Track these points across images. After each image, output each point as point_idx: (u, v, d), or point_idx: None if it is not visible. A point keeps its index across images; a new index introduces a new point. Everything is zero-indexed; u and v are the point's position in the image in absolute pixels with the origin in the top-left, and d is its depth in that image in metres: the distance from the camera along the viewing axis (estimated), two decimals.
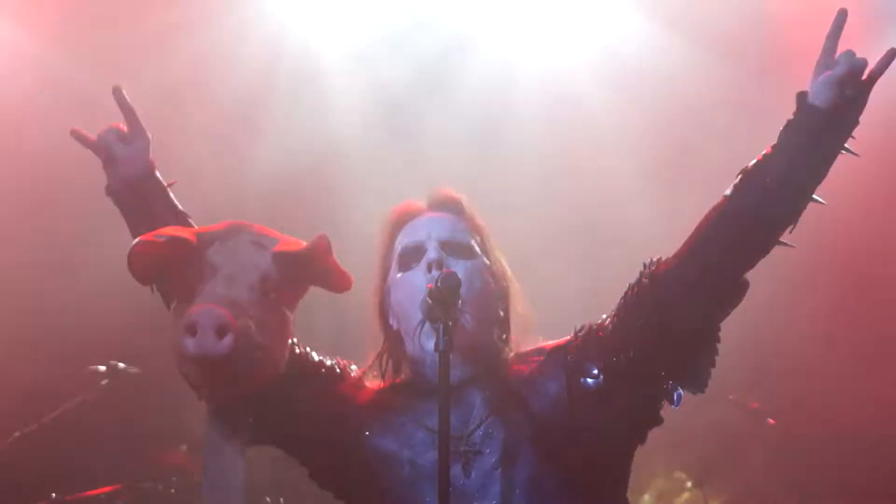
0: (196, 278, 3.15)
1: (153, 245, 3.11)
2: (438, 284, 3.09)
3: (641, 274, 3.20)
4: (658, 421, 3.31)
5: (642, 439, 3.31)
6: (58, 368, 6.41)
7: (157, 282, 3.28)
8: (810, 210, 3.12)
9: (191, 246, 3.16)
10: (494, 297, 3.37)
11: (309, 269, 3.19)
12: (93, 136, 3.41)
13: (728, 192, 3.14)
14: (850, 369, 6.84)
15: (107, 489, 5.69)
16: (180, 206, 3.46)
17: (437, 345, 3.06)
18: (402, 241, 3.43)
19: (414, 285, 3.31)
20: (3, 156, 6.67)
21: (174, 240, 3.13)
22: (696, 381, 3.22)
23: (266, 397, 3.24)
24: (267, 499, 5.68)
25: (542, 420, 3.21)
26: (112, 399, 6.30)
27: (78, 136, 3.42)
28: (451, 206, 3.47)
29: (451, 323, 3.09)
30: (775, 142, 3.11)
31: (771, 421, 5.87)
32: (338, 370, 3.46)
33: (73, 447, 6.35)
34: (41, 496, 5.65)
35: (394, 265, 3.42)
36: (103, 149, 3.40)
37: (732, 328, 3.34)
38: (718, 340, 3.22)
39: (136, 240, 3.14)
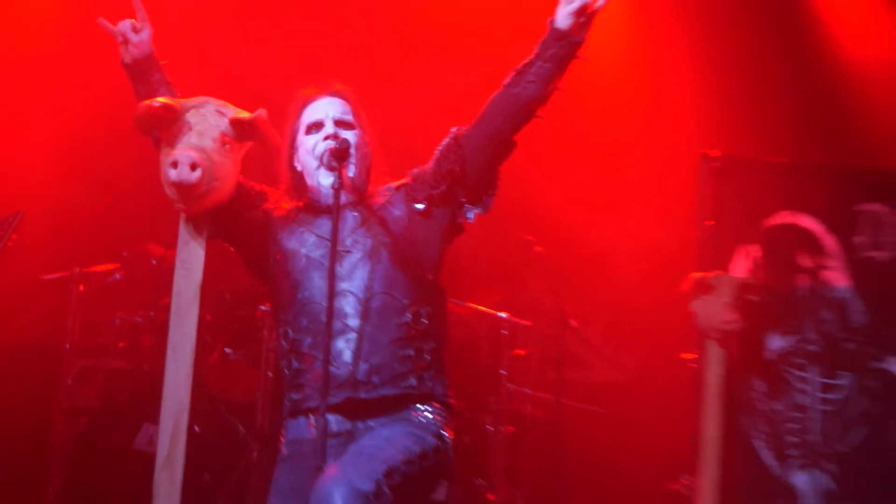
0: (178, 132, 3.22)
1: (151, 108, 3.18)
2: (337, 145, 3.22)
3: (448, 137, 3.31)
4: (461, 229, 3.38)
5: (451, 241, 3.37)
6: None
7: (151, 132, 3.29)
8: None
9: (175, 110, 3.22)
10: (365, 154, 3.41)
11: (253, 131, 3.26)
12: (113, 25, 3.39)
13: (505, 82, 3.24)
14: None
15: (109, 267, 5.65)
16: (170, 79, 3.44)
17: (333, 184, 3.15)
18: (307, 115, 3.43)
19: (316, 145, 3.36)
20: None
21: (165, 105, 3.19)
22: (483, 205, 3.34)
23: (219, 209, 3.30)
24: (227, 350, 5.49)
25: (391, 231, 3.29)
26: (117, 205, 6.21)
27: (104, 24, 3.40)
28: (341, 92, 3.47)
29: (342, 167, 3.19)
30: (536, 51, 3.21)
31: (539, 248, 5.81)
32: (265, 194, 3.47)
33: (83, 233, 6.20)
34: (64, 267, 5.60)
35: (301, 130, 3.43)
36: (121, 33, 3.38)
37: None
38: (497, 178, 3.34)
39: (141, 104, 3.20)
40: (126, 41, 3.38)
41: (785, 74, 6.40)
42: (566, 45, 3.19)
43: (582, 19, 3.16)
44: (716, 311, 4.58)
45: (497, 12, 6.41)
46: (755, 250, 4.89)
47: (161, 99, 3.21)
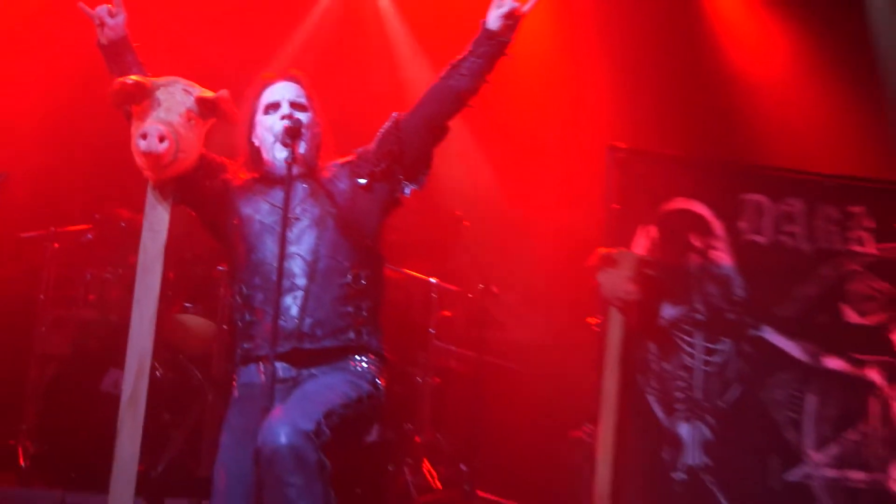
0: (148, 107, 3.17)
1: (125, 84, 3.14)
2: (291, 125, 3.20)
3: (390, 121, 3.30)
4: (399, 203, 3.36)
5: (389, 213, 3.37)
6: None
7: (124, 106, 3.24)
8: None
9: (146, 87, 3.17)
10: (316, 134, 3.38)
11: (216, 109, 3.22)
12: (91, 10, 3.33)
13: (441, 74, 3.25)
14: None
15: (82, 227, 5.53)
16: (141, 60, 3.38)
17: (287, 158, 3.15)
18: (266, 96, 3.39)
19: (273, 124, 3.33)
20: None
21: (137, 83, 3.16)
22: (419, 182, 3.33)
23: (184, 178, 3.25)
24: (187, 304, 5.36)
25: (337, 203, 3.28)
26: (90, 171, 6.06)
27: (83, 7, 3.34)
28: (296, 77, 3.44)
29: (295, 145, 3.18)
30: (469, 48, 3.22)
31: (466, 223, 5.87)
32: (225, 165, 3.43)
33: (59, 196, 6.07)
34: (41, 226, 5.49)
35: (259, 110, 3.39)
36: (98, 17, 3.31)
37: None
38: (431, 159, 3.34)
39: (115, 81, 3.16)
40: (102, 24, 3.31)
41: (684, 81, 6.52)
42: (496, 44, 3.20)
43: (510, 21, 3.18)
44: (618, 282, 4.62)
45: (433, 15, 6.40)
46: (653, 231, 4.94)
47: (133, 77, 3.16)
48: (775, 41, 6.45)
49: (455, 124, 3.30)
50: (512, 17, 3.17)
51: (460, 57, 3.23)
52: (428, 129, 3.27)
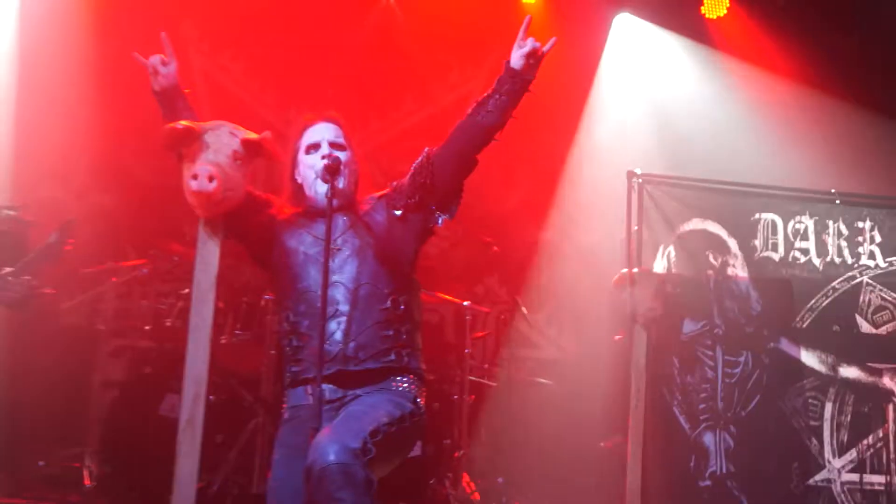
0: (197, 149, 3.20)
1: (175, 129, 3.18)
2: (331, 163, 3.24)
3: (422, 155, 3.29)
4: (432, 232, 3.34)
5: (424, 241, 3.35)
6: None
7: (175, 149, 3.26)
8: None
9: (195, 132, 3.21)
10: (353, 170, 3.38)
11: (260, 150, 3.25)
12: (145, 59, 3.37)
13: (468, 111, 3.26)
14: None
15: (138, 262, 5.57)
16: (192, 105, 3.41)
17: (327, 193, 3.18)
18: (307, 136, 3.40)
19: (314, 162, 3.35)
20: None
21: (187, 127, 3.19)
22: (450, 212, 3.32)
23: (232, 214, 3.29)
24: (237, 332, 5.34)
25: (375, 233, 3.28)
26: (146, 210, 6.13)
27: (138, 58, 3.38)
28: (334, 119, 3.45)
29: (334, 181, 3.22)
30: (493, 86, 3.22)
31: (496, 249, 5.84)
32: (270, 201, 3.43)
33: (117, 234, 6.11)
34: (100, 262, 5.57)
35: (301, 149, 3.40)
36: (151, 66, 3.35)
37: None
38: (462, 190, 3.33)
39: (166, 126, 3.20)
40: (156, 73, 3.36)
41: (695, 107, 6.50)
42: (519, 82, 3.21)
43: (532, 61, 3.19)
44: (640, 300, 4.62)
45: (458, 55, 6.44)
46: (672, 251, 4.94)
47: (184, 122, 3.20)
48: (780, 64, 6.46)
49: (483, 157, 3.30)
50: (534, 56, 3.18)
51: (486, 94, 3.23)
52: (457, 162, 3.26)
